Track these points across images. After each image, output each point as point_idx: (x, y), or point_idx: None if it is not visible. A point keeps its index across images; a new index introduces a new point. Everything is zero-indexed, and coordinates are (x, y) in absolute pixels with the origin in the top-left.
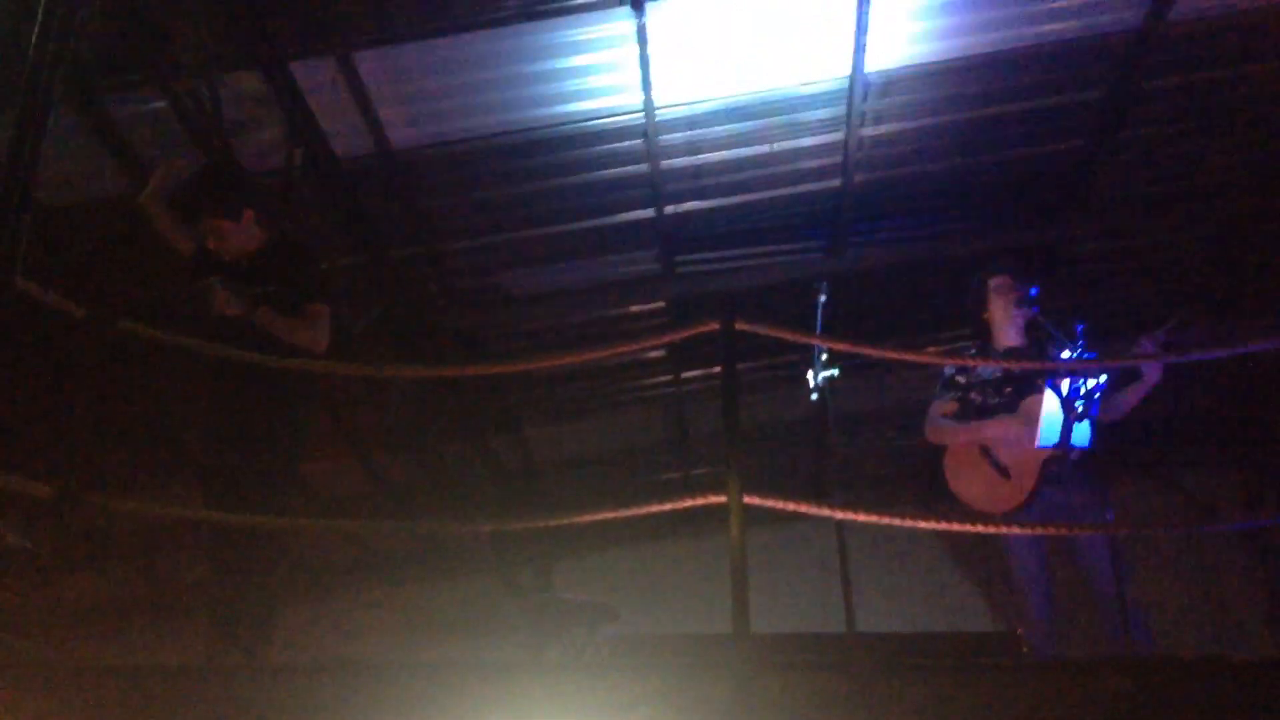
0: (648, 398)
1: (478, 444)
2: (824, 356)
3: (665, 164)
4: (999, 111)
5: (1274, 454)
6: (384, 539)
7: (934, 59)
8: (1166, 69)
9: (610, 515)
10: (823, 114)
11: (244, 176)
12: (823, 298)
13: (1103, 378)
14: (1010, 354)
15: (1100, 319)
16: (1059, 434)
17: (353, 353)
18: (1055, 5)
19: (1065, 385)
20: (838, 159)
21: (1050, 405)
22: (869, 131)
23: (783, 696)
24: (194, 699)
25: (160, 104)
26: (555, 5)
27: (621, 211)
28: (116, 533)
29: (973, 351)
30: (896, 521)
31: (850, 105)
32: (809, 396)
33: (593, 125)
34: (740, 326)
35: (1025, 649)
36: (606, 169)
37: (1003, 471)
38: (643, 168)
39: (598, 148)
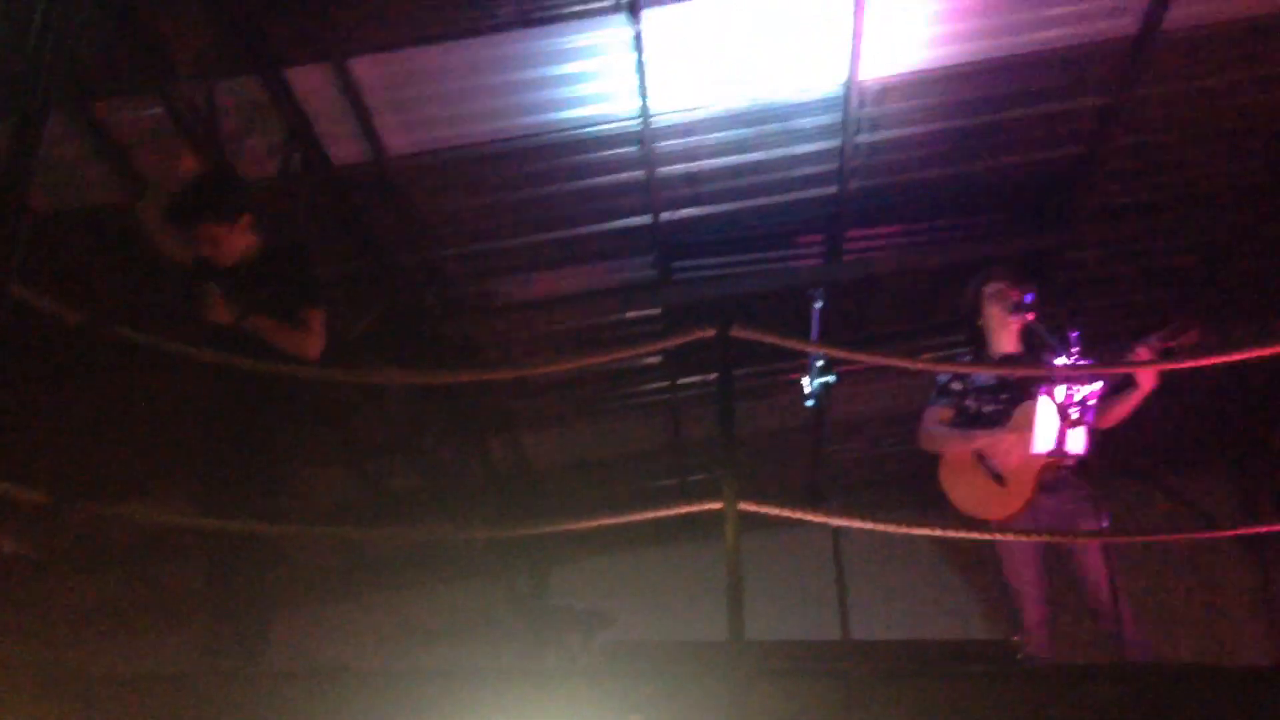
0: (644, 404)
1: (474, 450)
2: (820, 363)
3: (661, 171)
4: (994, 118)
5: (1269, 460)
6: (381, 545)
7: (930, 66)
8: (1162, 77)
9: (606, 521)
10: (819, 121)
11: (240, 182)
12: (819, 304)
13: (1098, 384)
14: (1005, 360)
15: (1095, 325)
16: (1054, 441)
17: (348, 358)
18: (1051, 13)
19: (1060, 392)
20: (834, 166)
21: (1046, 412)
22: (865, 138)
23: (778, 703)
24: (191, 705)
25: (157, 110)
26: (551, 12)
27: (617, 218)
28: (113, 538)
29: (968, 358)
30: (892, 528)
31: (846, 112)
32: (805, 403)
33: (589, 132)
34: (736, 333)
35: (1021, 656)
36: (602, 175)
37: (998, 479)
38: (639, 174)
39: (594, 154)
